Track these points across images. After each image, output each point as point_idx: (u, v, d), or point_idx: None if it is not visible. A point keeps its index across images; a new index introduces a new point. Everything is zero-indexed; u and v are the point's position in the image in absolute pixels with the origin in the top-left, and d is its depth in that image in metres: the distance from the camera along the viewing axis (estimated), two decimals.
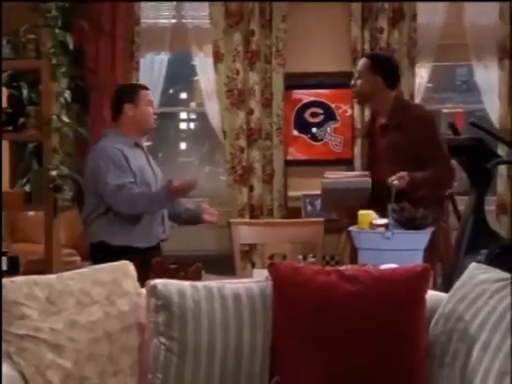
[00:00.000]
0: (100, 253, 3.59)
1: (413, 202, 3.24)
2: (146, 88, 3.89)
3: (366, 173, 3.74)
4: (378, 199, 3.49)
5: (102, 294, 2.35)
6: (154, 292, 2.33)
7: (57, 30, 3.53)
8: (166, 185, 3.58)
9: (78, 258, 4.62)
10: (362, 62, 3.83)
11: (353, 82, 3.81)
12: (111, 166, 3.60)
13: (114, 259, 2.53)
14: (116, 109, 3.78)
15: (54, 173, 3.58)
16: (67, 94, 3.68)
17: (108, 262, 2.50)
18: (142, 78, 5.59)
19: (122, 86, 4.03)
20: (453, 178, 3.85)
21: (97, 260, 3.11)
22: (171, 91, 6.23)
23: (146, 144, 4.10)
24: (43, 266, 3.56)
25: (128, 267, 2.47)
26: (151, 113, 3.80)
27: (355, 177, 3.78)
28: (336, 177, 3.77)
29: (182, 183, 3.61)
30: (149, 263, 3.00)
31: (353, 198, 3.64)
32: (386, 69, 3.73)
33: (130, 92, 3.80)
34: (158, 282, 2.36)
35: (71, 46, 3.69)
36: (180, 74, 6.02)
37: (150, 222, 3.69)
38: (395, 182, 3.45)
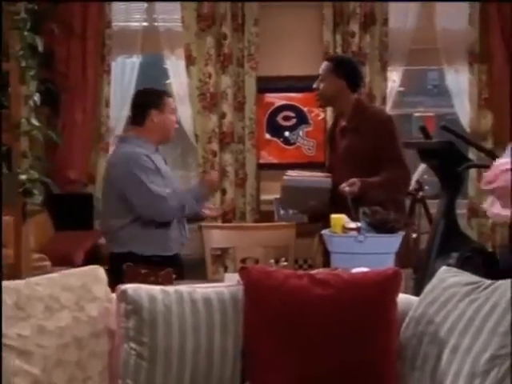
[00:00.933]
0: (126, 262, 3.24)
1: (371, 206, 3.21)
2: (170, 95, 3.81)
3: (329, 174, 3.75)
4: (337, 203, 3.49)
5: (71, 300, 2.32)
6: (124, 297, 2.31)
7: (26, 33, 3.49)
8: (202, 181, 3.81)
9: (48, 263, 4.56)
10: (324, 64, 3.82)
11: (315, 85, 3.80)
12: (150, 176, 3.52)
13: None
14: (140, 113, 3.66)
15: (23, 177, 3.53)
16: (37, 97, 3.63)
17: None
18: (114, 81, 5.57)
19: (147, 90, 3.87)
20: (408, 181, 3.87)
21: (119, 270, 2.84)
22: None
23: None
24: (12, 271, 3.51)
25: (98, 272, 2.44)
26: (174, 121, 3.73)
27: (317, 177, 3.78)
28: (297, 175, 3.77)
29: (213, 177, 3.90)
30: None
31: (311, 198, 3.63)
32: (349, 72, 3.73)
33: (156, 98, 3.68)
34: (128, 286, 2.34)
35: (41, 49, 3.64)
36: (152, 78, 5.99)
37: (178, 226, 3.64)
38: (346, 189, 3.44)
